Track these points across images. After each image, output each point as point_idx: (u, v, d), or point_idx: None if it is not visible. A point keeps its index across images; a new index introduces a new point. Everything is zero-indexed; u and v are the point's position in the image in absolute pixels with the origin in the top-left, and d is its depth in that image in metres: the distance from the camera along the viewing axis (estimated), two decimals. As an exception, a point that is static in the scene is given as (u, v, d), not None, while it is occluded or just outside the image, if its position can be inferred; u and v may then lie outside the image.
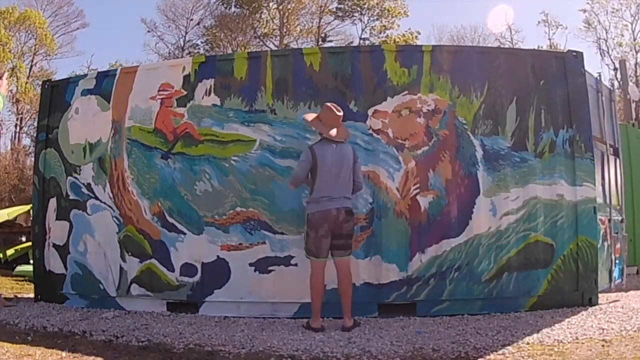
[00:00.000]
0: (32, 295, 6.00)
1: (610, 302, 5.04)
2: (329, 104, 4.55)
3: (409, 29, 25.78)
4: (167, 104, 5.28)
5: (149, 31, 27.81)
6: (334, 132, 4.47)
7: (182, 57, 23.69)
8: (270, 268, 4.89)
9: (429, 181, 4.89)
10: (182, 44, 27.46)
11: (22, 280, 7.98)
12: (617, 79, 20.90)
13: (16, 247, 9.51)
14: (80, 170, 5.56)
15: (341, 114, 4.53)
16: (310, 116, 4.62)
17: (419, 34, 25.54)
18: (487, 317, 4.60)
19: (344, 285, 4.38)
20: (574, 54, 5.17)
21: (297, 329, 4.34)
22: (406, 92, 4.97)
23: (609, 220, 5.39)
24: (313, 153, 4.42)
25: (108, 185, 5.41)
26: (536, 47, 22.72)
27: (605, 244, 5.27)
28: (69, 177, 5.60)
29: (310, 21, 26.79)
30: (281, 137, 5.00)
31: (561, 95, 5.06)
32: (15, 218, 10.01)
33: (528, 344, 3.69)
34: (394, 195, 4.86)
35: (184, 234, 5.11)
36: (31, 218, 6.40)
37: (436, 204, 4.86)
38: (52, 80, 6.26)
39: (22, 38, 24.02)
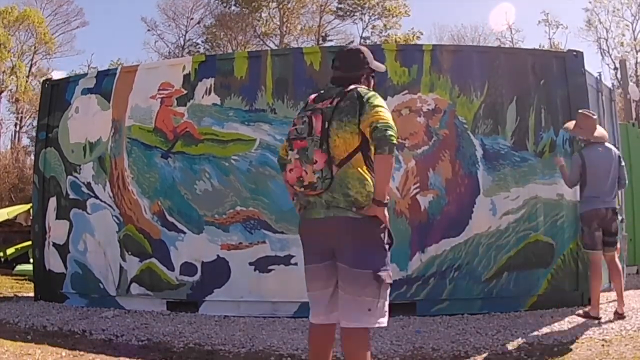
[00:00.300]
0: (32, 294, 6.00)
1: (610, 302, 5.04)
2: (582, 111, 4.54)
3: (412, 28, 25.72)
4: (167, 103, 5.28)
5: (149, 30, 27.86)
6: (597, 133, 4.50)
7: (182, 56, 23.67)
8: (270, 267, 4.89)
9: (429, 180, 4.89)
10: (182, 43, 27.44)
11: (22, 280, 7.97)
12: (617, 78, 20.88)
13: (16, 246, 9.49)
14: (80, 169, 5.57)
15: (596, 117, 4.58)
16: (571, 124, 4.63)
17: (422, 34, 25.44)
18: (487, 316, 4.61)
19: (614, 274, 4.51)
20: (574, 53, 5.17)
21: (297, 328, 4.33)
22: (406, 91, 4.97)
23: (609, 220, 5.38)
24: (582, 157, 4.44)
25: (108, 184, 5.41)
26: (536, 47, 22.71)
27: (605, 243, 5.25)
28: (69, 176, 5.60)
29: (310, 20, 26.77)
30: (281, 137, 4.98)
31: (561, 94, 5.06)
32: (15, 217, 10.00)
33: (528, 343, 3.70)
34: (393, 194, 4.85)
35: (184, 233, 5.11)
36: (31, 217, 6.39)
37: (436, 204, 4.87)
38: (52, 79, 6.25)
39: (21, 37, 24.01)
